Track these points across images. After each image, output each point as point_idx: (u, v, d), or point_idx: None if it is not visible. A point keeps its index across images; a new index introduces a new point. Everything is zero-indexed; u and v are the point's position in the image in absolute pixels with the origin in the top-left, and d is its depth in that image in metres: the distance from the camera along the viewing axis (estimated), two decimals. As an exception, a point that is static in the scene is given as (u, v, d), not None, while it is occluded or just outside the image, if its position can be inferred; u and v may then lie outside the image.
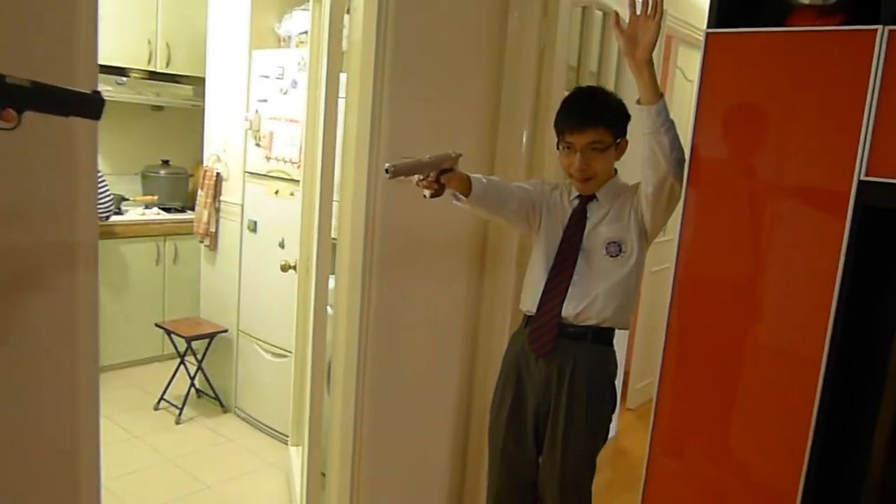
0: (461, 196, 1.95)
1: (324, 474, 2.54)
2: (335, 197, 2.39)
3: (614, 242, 2.02)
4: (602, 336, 2.07)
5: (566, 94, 2.23)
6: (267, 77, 3.50)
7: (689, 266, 1.97)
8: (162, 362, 4.42)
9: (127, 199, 4.50)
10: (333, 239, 2.45)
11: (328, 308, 2.49)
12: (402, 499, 2.60)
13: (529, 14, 2.57)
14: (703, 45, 1.85)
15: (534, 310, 2.11)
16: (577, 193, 2.09)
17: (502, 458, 2.20)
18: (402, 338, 2.44)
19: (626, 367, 4.33)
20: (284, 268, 3.02)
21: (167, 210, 4.61)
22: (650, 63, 1.81)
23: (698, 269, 1.98)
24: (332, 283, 2.46)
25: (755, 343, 1.89)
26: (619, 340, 2.26)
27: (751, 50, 1.79)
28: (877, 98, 1.54)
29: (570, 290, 2.04)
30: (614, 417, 2.37)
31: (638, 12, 1.80)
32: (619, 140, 2.01)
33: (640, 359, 4.42)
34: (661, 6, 1.78)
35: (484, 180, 1.99)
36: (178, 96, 4.63)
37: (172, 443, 3.55)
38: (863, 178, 1.56)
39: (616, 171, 2.12)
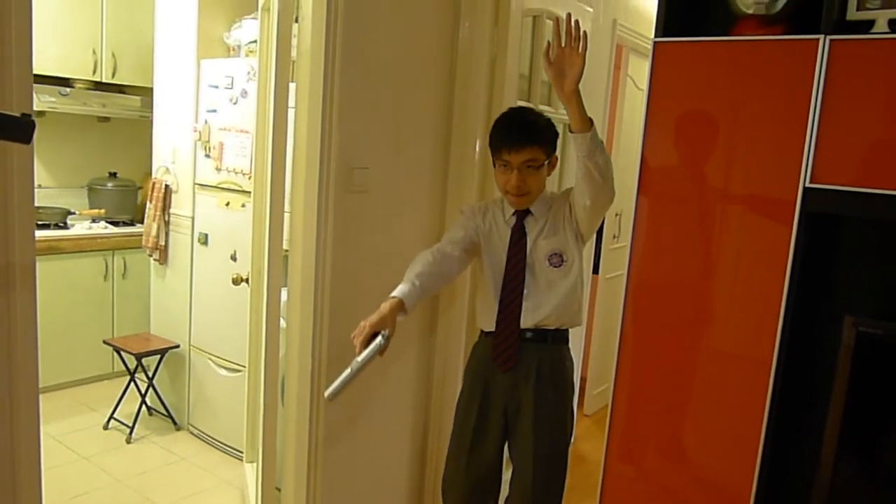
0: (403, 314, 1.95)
1: (279, 489, 2.49)
2: (286, 208, 2.35)
3: (556, 254, 2.09)
4: (559, 337, 2.15)
5: (517, 104, 2.25)
6: (216, 87, 3.44)
7: (642, 272, 1.99)
8: (112, 380, 4.31)
9: (73, 213, 4.37)
10: (285, 251, 2.41)
11: (281, 321, 2.44)
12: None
13: (480, 23, 2.57)
14: (650, 54, 1.87)
15: (492, 327, 2.16)
16: (512, 211, 2.14)
17: (468, 466, 2.21)
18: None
19: (583, 374, 4.35)
20: (236, 281, 2.96)
21: (115, 224, 4.49)
22: (578, 93, 1.85)
23: (650, 275, 2.00)
24: (284, 295, 2.41)
25: (707, 347, 1.91)
26: (575, 345, 2.27)
27: (697, 58, 1.82)
28: (820, 106, 1.57)
29: (523, 304, 2.10)
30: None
31: (563, 44, 1.84)
32: (550, 157, 2.09)
33: (596, 365, 4.45)
34: (587, 39, 1.82)
35: (416, 283, 1.98)
36: (125, 107, 4.52)
37: (123, 463, 3.44)
38: (808, 185, 1.59)
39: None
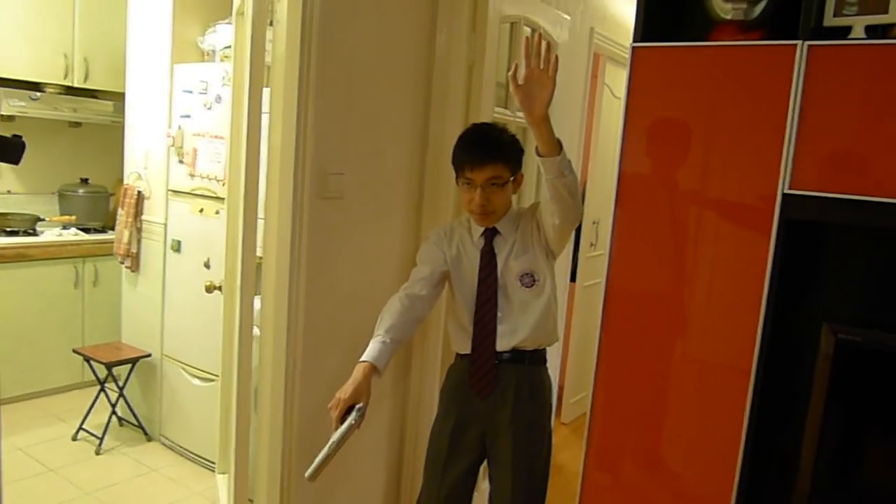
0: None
1: (251, 501, 2.44)
2: (260, 214, 2.31)
3: (527, 273, 2.05)
4: (537, 357, 2.11)
5: (487, 123, 2.23)
6: (190, 92, 3.39)
7: (620, 280, 1.98)
8: (82, 390, 4.21)
9: (43, 220, 4.29)
10: (259, 258, 2.36)
11: (256, 329, 2.40)
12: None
13: (457, 29, 2.56)
14: (629, 59, 1.86)
15: (467, 350, 2.11)
16: (480, 231, 2.09)
17: (441, 487, 2.16)
18: (332, 360, 2.37)
19: (561, 382, 4.34)
20: (209, 288, 2.91)
21: (86, 231, 4.41)
22: (547, 117, 1.79)
23: (629, 283, 1.98)
24: (258, 303, 2.37)
25: (686, 356, 1.90)
26: (552, 355, 2.25)
27: (676, 64, 1.82)
28: (798, 111, 1.57)
29: (498, 327, 2.06)
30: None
31: (532, 66, 1.77)
32: (515, 175, 2.03)
33: (573, 373, 4.44)
34: (557, 61, 1.77)
35: (388, 341, 1.94)
36: (97, 112, 4.45)
37: (92, 475, 3.36)
38: (787, 191, 1.59)
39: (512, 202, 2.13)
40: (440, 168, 2.60)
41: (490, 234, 2.09)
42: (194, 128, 3.39)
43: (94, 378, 3.75)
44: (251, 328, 2.38)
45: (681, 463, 1.95)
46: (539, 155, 1.83)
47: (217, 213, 3.28)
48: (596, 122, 4.33)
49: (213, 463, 3.24)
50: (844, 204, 1.52)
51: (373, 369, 1.87)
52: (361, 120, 2.32)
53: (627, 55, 1.95)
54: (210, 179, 3.33)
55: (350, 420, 1.78)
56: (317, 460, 1.76)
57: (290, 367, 2.22)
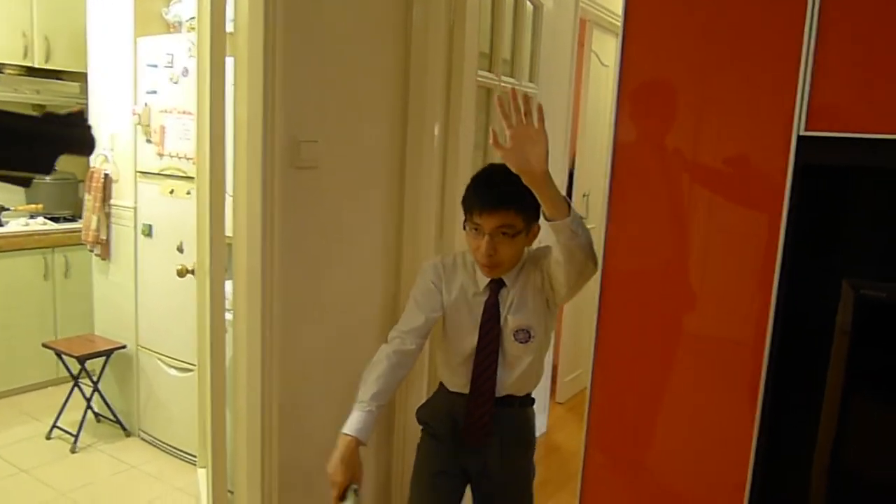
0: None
1: (231, 493, 2.29)
2: (228, 191, 2.14)
3: (523, 330, 1.87)
4: (526, 401, 2.00)
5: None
6: (155, 66, 3.20)
7: (617, 255, 1.83)
8: (56, 386, 4.03)
9: (8, 209, 4.09)
10: (229, 238, 2.20)
11: (230, 314, 2.24)
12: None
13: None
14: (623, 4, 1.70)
15: (456, 388, 1.98)
16: (486, 281, 1.89)
17: None
18: (312, 345, 2.22)
19: (555, 361, 4.21)
20: (181, 272, 2.75)
21: (55, 220, 4.22)
22: (549, 176, 1.55)
23: (627, 257, 1.84)
24: (229, 287, 2.21)
25: (692, 330, 1.77)
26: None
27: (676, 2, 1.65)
28: (815, 39, 1.39)
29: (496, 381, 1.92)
30: (543, 415, 2.23)
31: (514, 123, 1.53)
32: (530, 226, 1.82)
33: (567, 351, 4.31)
34: (542, 111, 1.53)
35: (373, 408, 1.78)
36: (61, 94, 4.23)
37: (67, 474, 3.20)
38: (802, 133, 1.43)
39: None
40: (423, 139, 2.44)
41: (496, 286, 1.88)
42: (161, 104, 3.20)
43: (67, 373, 3.58)
44: (223, 314, 2.22)
45: (687, 442, 1.82)
46: (547, 219, 1.60)
47: (188, 193, 3.11)
48: (584, 92, 4.17)
49: (195, 457, 3.09)
50: (868, 144, 1.36)
51: (359, 443, 1.75)
52: (335, 87, 2.15)
53: (615, 20, 1.78)
54: (180, 158, 3.15)
55: (350, 500, 1.70)
56: None
57: (266, 354, 2.06)
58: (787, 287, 1.57)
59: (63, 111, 1.09)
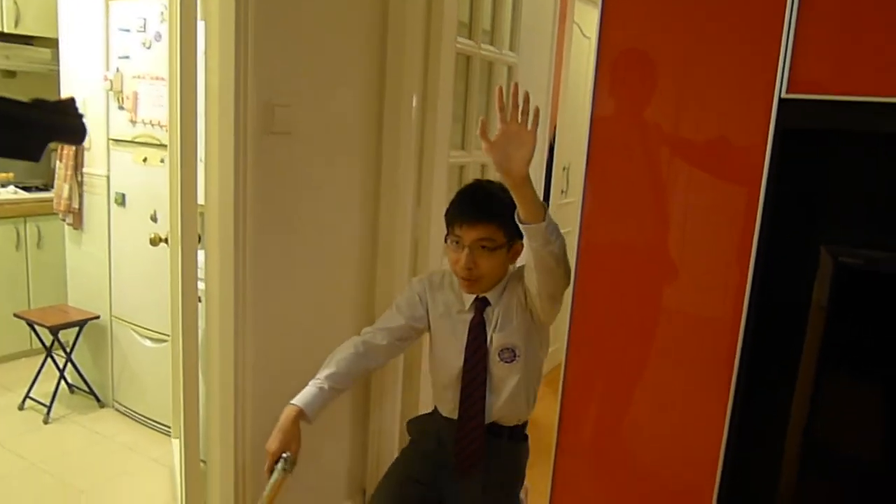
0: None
1: (204, 462, 2.27)
2: (200, 156, 2.09)
3: (508, 349, 1.83)
4: (517, 433, 1.94)
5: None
6: (127, 31, 3.12)
7: (594, 229, 1.80)
8: (29, 358, 3.97)
9: (-23, 179, 4.01)
10: (202, 207, 2.15)
11: (201, 283, 2.20)
12: (297, 483, 2.36)
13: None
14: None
15: (444, 412, 1.94)
16: (471, 299, 1.86)
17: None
18: (286, 313, 2.19)
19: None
20: (154, 241, 2.70)
21: (27, 189, 4.13)
22: (528, 179, 1.51)
23: (603, 232, 1.81)
24: (202, 256, 2.17)
25: (668, 305, 1.75)
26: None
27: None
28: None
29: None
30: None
31: (509, 119, 1.47)
32: (512, 242, 1.78)
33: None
34: (538, 115, 1.48)
35: (326, 387, 1.77)
36: (32, 60, 4.13)
37: (39, 445, 3.17)
38: (784, 95, 1.40)
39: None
40: (400, 105, 2.40)
41: (481, 304, 1.84)
42: (134, 70, 3.13)
43: (40, 345, 3.53)
44: (195, 283, 2.18)
45: (661, 417, 1.81)
46: (521, 222, 1.56)
47: (162, 161, 3.05)
48: (565, 63, 4.12)
49: (169, 427, 3.06)
50: (853, 107, 1.34)
51: (301, 414, 1.72)
52: (310, 50, 2.11)
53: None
54: (153, 126, 3.09)
55: (277, 471, 1.68)
56: None
57: (238, 323, 2.03)
58: (764, 259, 1.55)
59: (53, 99, 1.05)
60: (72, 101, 1.04)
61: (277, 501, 1.67)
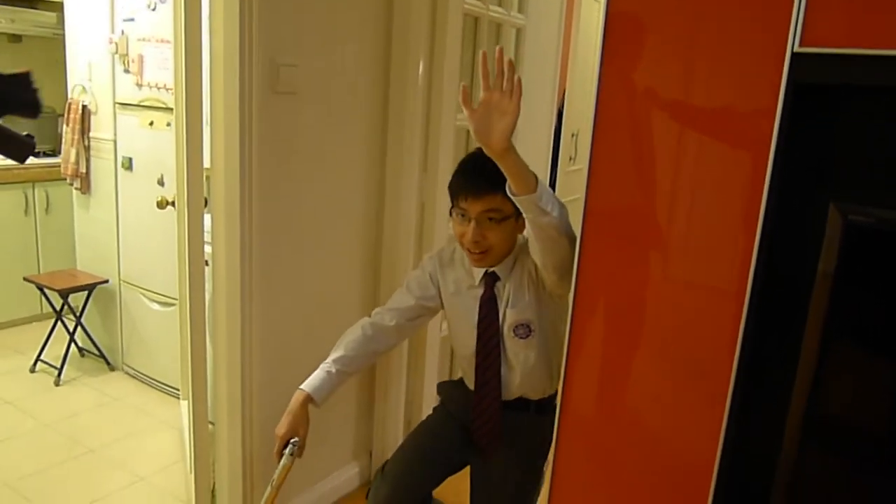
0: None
1: (213, 424, 2.30)
2: (205, 119, 2.08)
3: (522, 324, 1.79)
4: (544, 406, 1.89)
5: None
6: (132, -8, 3.10)
7: (600, 196, 1.77)
8: (40, 322, 4.01)
9: (-15, 142, 4.00)
10: (208, 170, 2.15)
11: (208, 247, 2.21)
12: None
13: None
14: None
15: (468, 384, 1.92)
16: (480, 274, 1.82)
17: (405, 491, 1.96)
18: (292, 277, 2.20)
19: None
20: (161, 204, 2.70)
21: (35, 154, 4.13)
22: (511, 149, 1.44)
23: (609, 198, 1.78)
24: (209, 219, 2.17)
25: (674, 273, 1.74)
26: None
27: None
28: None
29: (501, 381, 1.85)
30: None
31: (492, 86, 1.39)
32: (520, 212, 1.66)
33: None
34: (520, 84, 1.40)
35: (334, 371, 1.78)
36: (38, 24, 4.11)
37: (51, 406, 3.21)
38: (797, 49, 1.37)
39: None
40: (406, 65, 2.38)
41: (491, 279, 1.81)
42: (139, 32, 3.11)
43: (50, 309, 3.56)
44: (202, 246, 2.18)
45: (665, 384, 1.81)
46: (512, 194, 1.50)
47: (168, 125, 3.04)
48: (575, 27, 4.07)
49: (178, 390, 3.10)
50: (870, 61, 1.31)
51: (309, 399, 1.74)
52: (314, 8, 2.08)
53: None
54: (159, 89, 3.08)
55: (286, 456, 1.71)
56: (262, 502, 1.73)
57: (245, 286, 2.04)
58: (772, 225, 1.53)
59: (8, 71, 1.04)
60: (27, 74, 1.03)
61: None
